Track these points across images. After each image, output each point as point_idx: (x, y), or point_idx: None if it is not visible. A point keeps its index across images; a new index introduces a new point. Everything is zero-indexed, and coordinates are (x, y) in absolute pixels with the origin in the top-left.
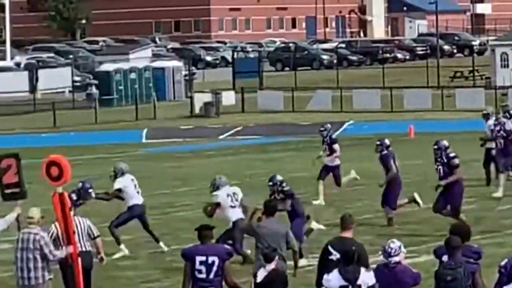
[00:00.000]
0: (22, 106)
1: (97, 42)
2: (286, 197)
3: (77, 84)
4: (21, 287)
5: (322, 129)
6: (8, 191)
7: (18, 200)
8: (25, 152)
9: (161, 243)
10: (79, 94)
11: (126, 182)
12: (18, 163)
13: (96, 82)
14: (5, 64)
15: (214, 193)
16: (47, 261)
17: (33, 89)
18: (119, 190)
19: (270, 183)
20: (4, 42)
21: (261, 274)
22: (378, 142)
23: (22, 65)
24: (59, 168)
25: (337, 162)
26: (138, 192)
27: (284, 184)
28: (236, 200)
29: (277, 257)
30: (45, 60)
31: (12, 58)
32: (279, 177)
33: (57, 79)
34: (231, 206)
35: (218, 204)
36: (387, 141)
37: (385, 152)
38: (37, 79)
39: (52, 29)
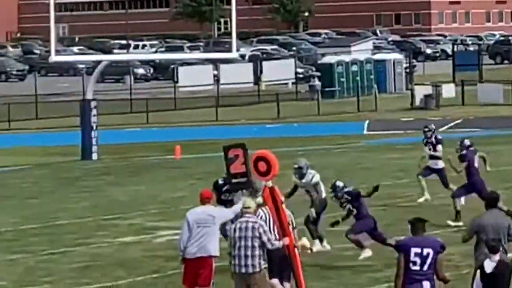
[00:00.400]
0: (247, 97)
1: (319, 35)
2: (352, 200)
3: (300, 76)
4: (239, 274)
5: (426, 129)
6: (235, 180)
7: (243, 190)
8: (250, 142)
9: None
10: (302, 85)
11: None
12: (245, 153)
13: (318, 74)
14: (230, 56)
15: None
16: (264, 249)
17: (257, 80)
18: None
19: (332, 193)
20: (229, 34)
21: (489, 265)
22: (459, 142)
23: (246, 57)
24: (266, 163)
25: (440, 165)
26: None
27: (345, 189)
28: None
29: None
30: (269, 52)
31: (237, 50)
32: (339, 183)
33: (280, 71)
34: None
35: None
36: (467, 142)
37: (464, 152)
38: (261, 71)
39: (275, 21)
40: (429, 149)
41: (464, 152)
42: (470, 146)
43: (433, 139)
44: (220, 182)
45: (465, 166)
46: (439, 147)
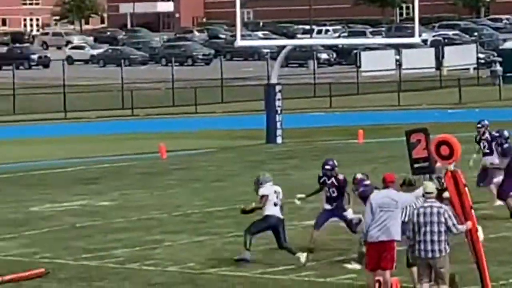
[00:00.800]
0: (428, 82)
1: (501, 20)
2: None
3: (481, 61)
4: (424, 259)
5: (479, 125)
6: (417, 165)
7: (425, 175)
8: (431, 127)
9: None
10: (483, 71)
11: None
12: (427, 138)
13: (500, 59)
14: (413, 41)
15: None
16: (449, 234)
17: (439, 65)
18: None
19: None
20: (412, 19)
21: None
22: (497, 134)
23: (428, 42)
24: (449, 147)
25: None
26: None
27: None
28: (278, 198)
29: None
30: (450, 37)
31: (419, 35)
32: (359, 175)
33: (462, 56)
34: (274, 203)
35: (263, 197)
36: (505, 133)
37: (506, 145)
38: (442, 56)
39: (457, 7)
40: (483, 147)
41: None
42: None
43: (488, 136)
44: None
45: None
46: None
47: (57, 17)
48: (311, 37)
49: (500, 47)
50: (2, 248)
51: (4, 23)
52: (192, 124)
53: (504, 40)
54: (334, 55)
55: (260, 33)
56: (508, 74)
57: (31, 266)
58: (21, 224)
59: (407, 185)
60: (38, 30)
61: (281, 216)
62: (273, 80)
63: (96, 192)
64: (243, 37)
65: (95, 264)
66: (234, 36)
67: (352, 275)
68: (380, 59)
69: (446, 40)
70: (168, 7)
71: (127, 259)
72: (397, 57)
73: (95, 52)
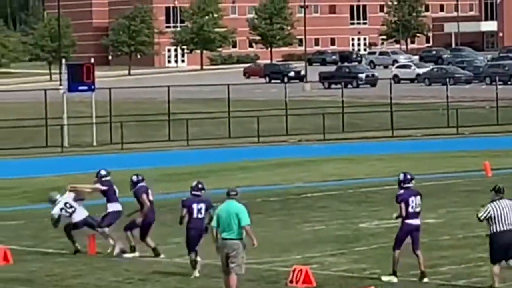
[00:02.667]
0: None
1: None
2: None
3: None
4: None
5: None
6: None
7: None
8: None
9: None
10: None
11: None
12: None
13: None
14: None
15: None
16: None
17: None
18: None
19: None
20: None
21: None
22: None
23: None
24: None
25: None
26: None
27: None
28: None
29: None
30: None
31: None
32: None
33: None
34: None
35: None
36: None
37: None
38: None
39: None
40: None
41: None
42: None
43: None
44: None
45: None
46: None
47: (384, 37)
48: None
49: None
50: (333, 264)
51: (332, 43)
52: None
53: None
54: None
55: None
56: None
57: (362, 282)
58: (350, 240)
59: None
60: (365, 49)
61: None
62: None
63: (423, 209)
64: None
65: (425, 280)
66: None
67: None
68: None
69: None
70: (492, 26)
71: (453, 277)
72: None
73: (420, 71)
